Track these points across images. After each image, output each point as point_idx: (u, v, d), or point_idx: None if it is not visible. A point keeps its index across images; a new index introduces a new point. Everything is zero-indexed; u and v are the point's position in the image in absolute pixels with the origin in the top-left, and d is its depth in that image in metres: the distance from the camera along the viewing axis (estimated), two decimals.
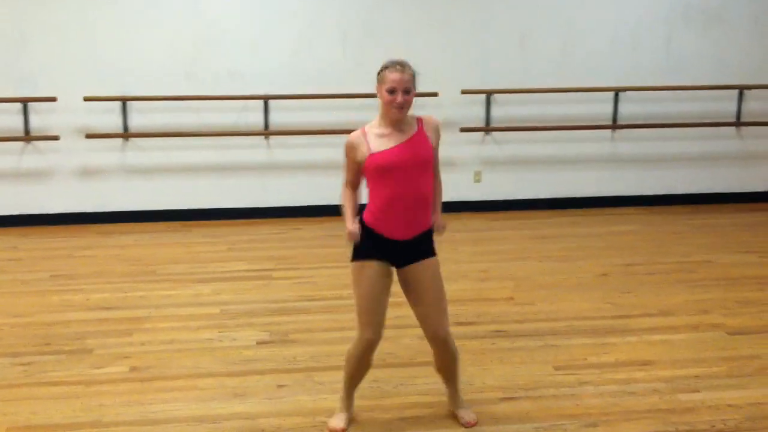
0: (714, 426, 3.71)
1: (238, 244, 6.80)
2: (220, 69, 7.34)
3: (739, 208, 7.87)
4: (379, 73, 3.42)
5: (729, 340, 4.69)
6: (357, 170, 3.51)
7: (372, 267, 3.52)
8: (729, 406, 3.90)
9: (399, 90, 3.34)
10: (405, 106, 3.38)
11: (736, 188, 8.08)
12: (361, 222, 3.54)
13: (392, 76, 3.35)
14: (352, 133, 3.47)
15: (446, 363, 3.73)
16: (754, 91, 7.77)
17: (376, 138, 3.43)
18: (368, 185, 3.50)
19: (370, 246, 3.51)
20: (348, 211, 3.58)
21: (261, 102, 7.38)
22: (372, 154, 3.40)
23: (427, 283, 3.56)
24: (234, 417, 3.81)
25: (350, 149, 3.46)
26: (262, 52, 7.35)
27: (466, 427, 3.74)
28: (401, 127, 3.45)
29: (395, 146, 3.40)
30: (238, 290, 5.62)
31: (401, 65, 3.38)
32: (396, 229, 3.48)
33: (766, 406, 3.89)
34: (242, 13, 7.29)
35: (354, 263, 3.57)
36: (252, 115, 7.42)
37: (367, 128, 3.48)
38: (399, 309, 5.17)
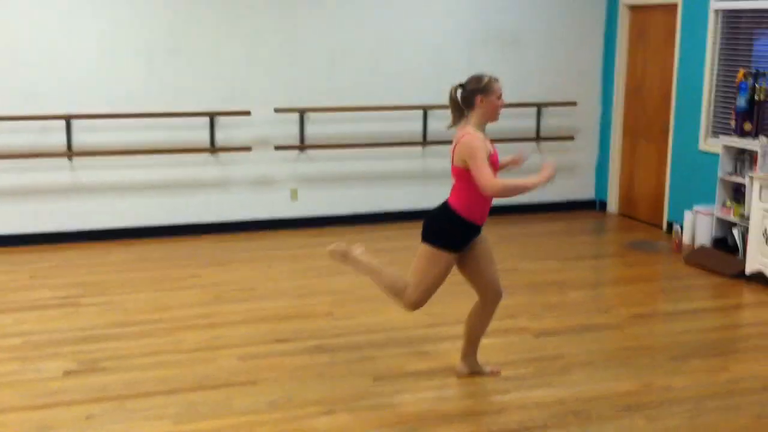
0: (523, 425, 3.89)
1: (41, 271, 6.41)
2: (17, 87, 6.92)
3: (539, 218, 8.30)
4: (483, 85, 4.08)
5: (535, 342, 4.94)
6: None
7: (452, 260, 4.16)
8: (536, 404, 4.10)
9: (501, 96, 4.12)
10: None
11: (537, 199, 8.53)
12: (458, 217, 4.10)
13: (498, 85, 4.11)
14: (475, 134, 4.03)
15: (487, 319, 4.33)
16: (550, 108, 8.28)
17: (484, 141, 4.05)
18: (465, 183, 4.06)
19: (466, 239, 4.17)
20: (526, 180, 4.04)
21: (62, 122, 7.02)
22: (493, 154, 4.09)
23: (489, 250, 4.27)
24: None
25: (484, 143, 4.01)
26: (62, 70, 7.00)
27: (495, 375, 4.39)
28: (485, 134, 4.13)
29: (495, 150, 4.12)
30: (42, 319, 5.29)
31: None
32: (484, 215, 4.18)
33: (570, 402, 4.13)
34: (40, 30, 6.91)
35: (443, 250, 4.12)
36: (53, 136, 7.04)
37: (474, 133, 4.04)
38: (215, 330, 5.10)
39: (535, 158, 8.41)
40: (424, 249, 4.18)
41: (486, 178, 3.94)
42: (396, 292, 4.28)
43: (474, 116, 4.11)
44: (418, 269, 4.20)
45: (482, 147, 3.98)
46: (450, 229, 4.14)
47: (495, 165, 4.10)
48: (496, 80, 4.12)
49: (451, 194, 4.21)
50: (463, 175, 4.07)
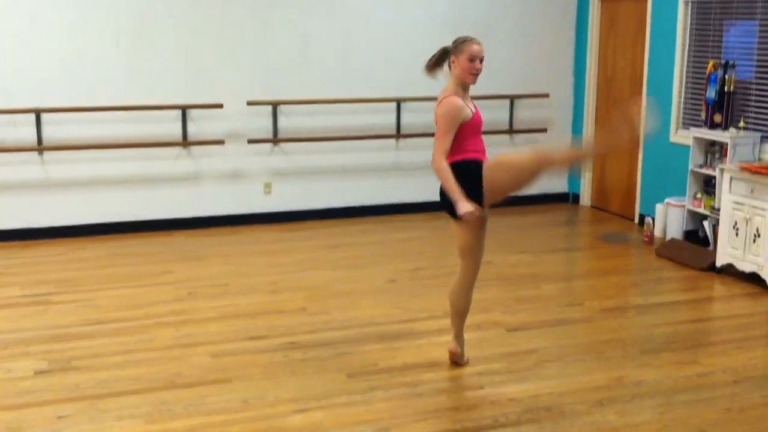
0: (497, 420, 3.91)
1: (11, 268, 6.33)
2: None
3: (513, 211, 8.30)
4: (456, 46, 4.12)
5: (508, 337, 4.96)
6: (455, 131, 4.03)
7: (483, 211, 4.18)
8: (510, 400, 4.12)
9: (477, 59, 4.09)
10: (479, 73, 4.12)
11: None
12: (461, 164, 4.06)
13: (472, 47, 4.10)
14: (453, 98, 4.06)
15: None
16: (523, 100, 8.30)
17: (464, 103, 4.08)
18: (460, 141, 4.07)
19: (480, 190, 4.10)
20: (456, 187, 4.00)
21: (32, 116, 6.93)
22: (474, 114, 4.12)
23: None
24: None
25: (460, 110, 4.04)
26: (32, 63, 6.90)
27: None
28: (467, 95, 4.16)
29: (476, 110, 4.17)
30: (12, 318, 5.24)
31: (477, 40, 4.14)
32: (480, 152, 4.17)
33: (543, 397, 4.15)
34: (8, 23, 6.80)
35: (473, 211, 4.02)
36: (22, 130, 6.95)
37: (453, 95, 4.07)
38: (188, 327, 5.08)
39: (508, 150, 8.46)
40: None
41: (439, 150, 4.02)
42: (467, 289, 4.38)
43: (451, 77, 4.17)
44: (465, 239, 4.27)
45: (455, 115, 4.03)
46: (466, 185, 4.07)
47: (477, 124, 4.17)
48: (472, 41, 4.12)
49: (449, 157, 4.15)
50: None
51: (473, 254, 4.32)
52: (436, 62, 4.23)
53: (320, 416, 3.93)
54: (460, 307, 4.41)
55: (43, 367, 4.48)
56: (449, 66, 4.18)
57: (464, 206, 3.96)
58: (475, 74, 4.13)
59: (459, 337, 4.48)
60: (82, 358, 4.61)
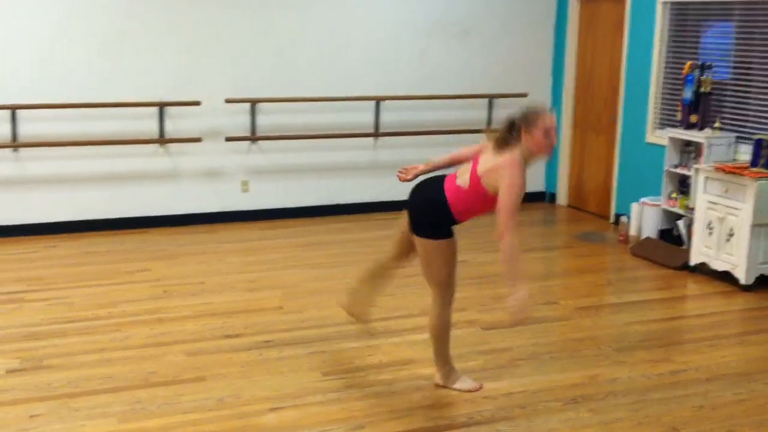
0: (472, 418, 3.93)
1: None
2: None
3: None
4: (528, 119, 3.74)
5: (483, 335, 4.98)
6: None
7: (454, 243, 4.05)
8: (484, 398, 4.13)
9: (552, 131, 3.74)
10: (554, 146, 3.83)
11: None
12: (450, 218, 3.98)
13: (546, 121, 3.73)
14: (521, 169, 3.74)
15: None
16: (501, 100, 8.32)
17: None
18: (480, 199, 3.90)
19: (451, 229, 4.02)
20: (523, 274, 3.89)
21: (8, 112, 6.86)
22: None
23: None
24: None
25: (525, 180, 3.76)
26: (7, 60, 6.84)
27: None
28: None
29: None
30: None
31: (548, 109, 3.84)
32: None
33: (517, 395, 4.17)
34: None
35: (449, 240, 4.00)
36: None
37: (521, 165, 3.76)
38: (163, 325, 5.05)
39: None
40: (425, 244, 4.03)
41: (511, 224, 3.73)
42: (445, 325, 4.20)
43: (522, 147, 3.79)
44: (430, 265, 4.07)
45: (523, 187, 3.75)
46: (442, 224, 4.01)
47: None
48: (545, 114, 3.76)
49: (451, 190, 3.97)
50: (484, 194, 3.88)
51: (452, 279, 4.13)
52: (506, 138, 3.84)
53: (295, 414, 3.92)
54: (444, 330, 4.23)
55: (15, 366, 4.44)
56: (519, 136, 3.80)
57: (524, 296, 3.78)
58: (550, 148, 3.81)
59: (447, 365, 4.30)
60: (55, 356, 4.57)
